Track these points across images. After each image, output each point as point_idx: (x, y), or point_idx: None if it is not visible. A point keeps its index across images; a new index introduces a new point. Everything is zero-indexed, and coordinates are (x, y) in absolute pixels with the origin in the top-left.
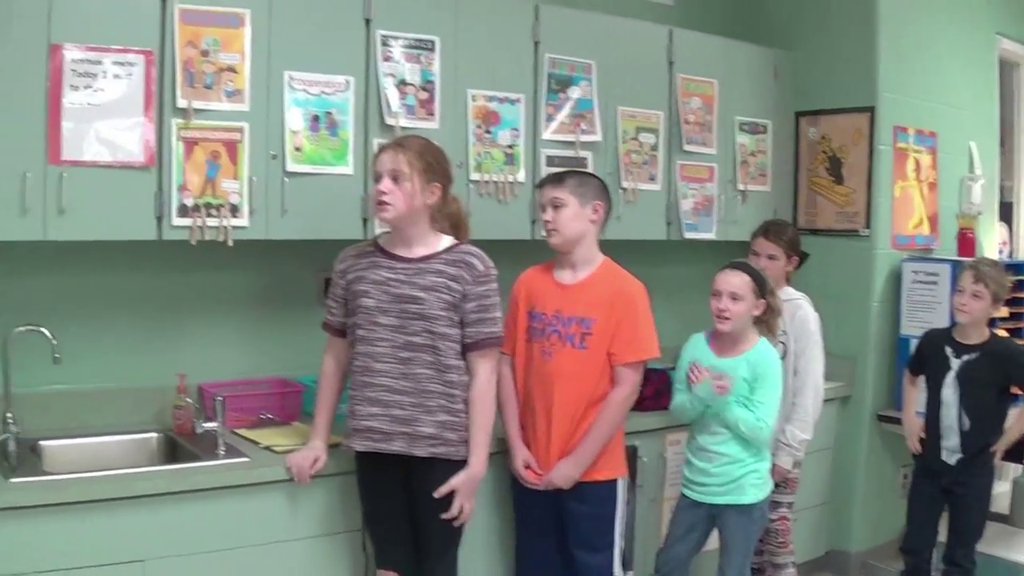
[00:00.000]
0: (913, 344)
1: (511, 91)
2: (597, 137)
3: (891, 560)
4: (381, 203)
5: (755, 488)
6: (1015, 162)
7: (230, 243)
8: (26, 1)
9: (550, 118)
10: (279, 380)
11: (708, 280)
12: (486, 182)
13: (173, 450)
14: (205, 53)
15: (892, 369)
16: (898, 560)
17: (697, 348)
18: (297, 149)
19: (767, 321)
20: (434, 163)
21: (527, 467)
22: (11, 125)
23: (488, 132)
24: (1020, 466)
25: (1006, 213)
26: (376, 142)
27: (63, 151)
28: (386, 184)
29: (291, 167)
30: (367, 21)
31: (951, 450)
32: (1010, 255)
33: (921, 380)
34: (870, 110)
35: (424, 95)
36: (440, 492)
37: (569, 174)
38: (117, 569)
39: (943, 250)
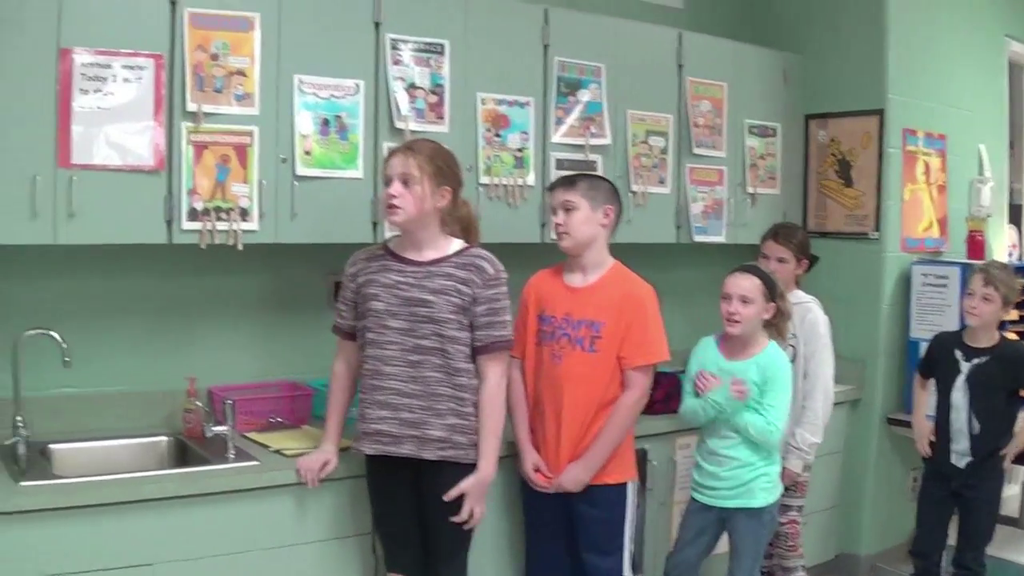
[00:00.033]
0: (923, 347)
1: (520, 94)
2: (607, 140)
3: (901, 563)
4: (391, 207)
5: (765, 492)
6: None
7: (240, 247)
8: (36, 5)
9: (559, 121)
10: (289, 384)
11: (718, 283)
12: (496, 185)
13: (183, 454)
14: (215, 57)
15: (902, 372)
16: (908, 563)
17: (707, 351)
18: (307, 153)
19: (777, 324)
20: (444, 167)
21: (536, 470)
22: (21, 129)
23: (498, 135)
24: None
25: (1015, 215)
26: (386, 146)
27: (73, 155)
28: (396, 188)
29: (301, 171)
30: (376, 25)
31: (961, 453)
32: (1020, 258)
33: (931, 383)
34: (879, 113)
35: (434, 98)
36: (450, 496)
37: (581, 177)
38: (126, 573)
39: (952, 253)
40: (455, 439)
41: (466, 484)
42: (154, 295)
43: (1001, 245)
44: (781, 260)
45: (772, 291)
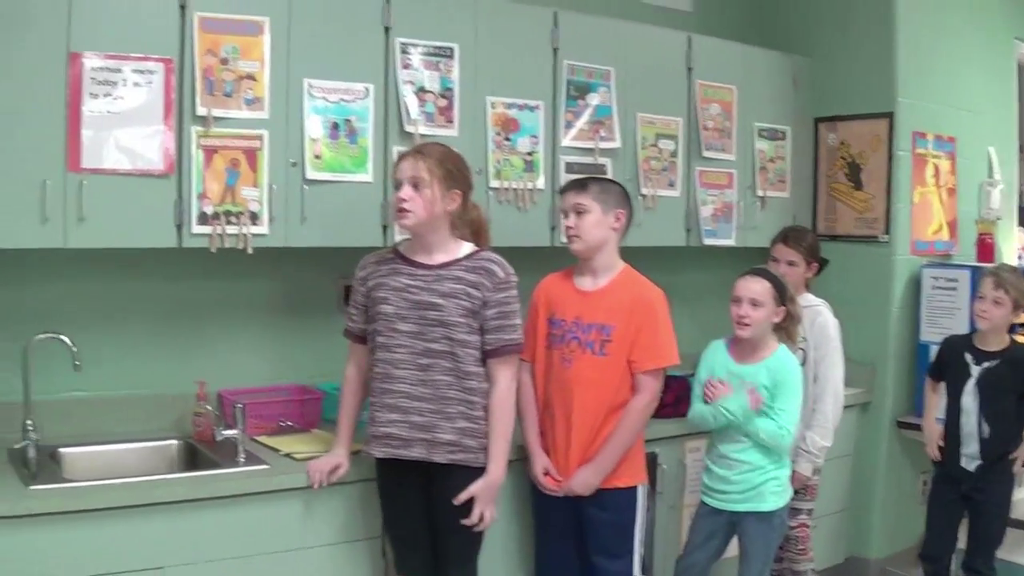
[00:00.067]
0: (932, 350)
1: (530, 98)
2: (616, 144)
3: (910, 567)
4: (401, 210)
5: (775, 495)
6: None
7: (250, 251)
8: (45, 9)
9: (569, 125)
10: (299, 387)
11: (727, 286)
12: (505, 189)
13: (193, 457)
14: (224, 61)
15: (912, 375)
16: (917, 567)
17: (717, 355)
18: (317, 157)
19: (787, 328)
20: (454, 170)
21: (546, 474)
22: (31, 133)
23: (507, 139)
24: None
25: None
26: (395, 149)
27: (83, 159)
28: (406, 191)
29: (311, 175)
30: (386, 29)
31: (971, 457)
32: None
33: (942, 386)
34: (889, 116)
35: (443, 102)
36: (459, 499)
37: (592, 180)
38: None
39: (962, 256)
40: (465, 442)
41: (475, 487)
42: (164, 299)
43: (1011, 248)
44: (791, 263)
45: (782, 294)
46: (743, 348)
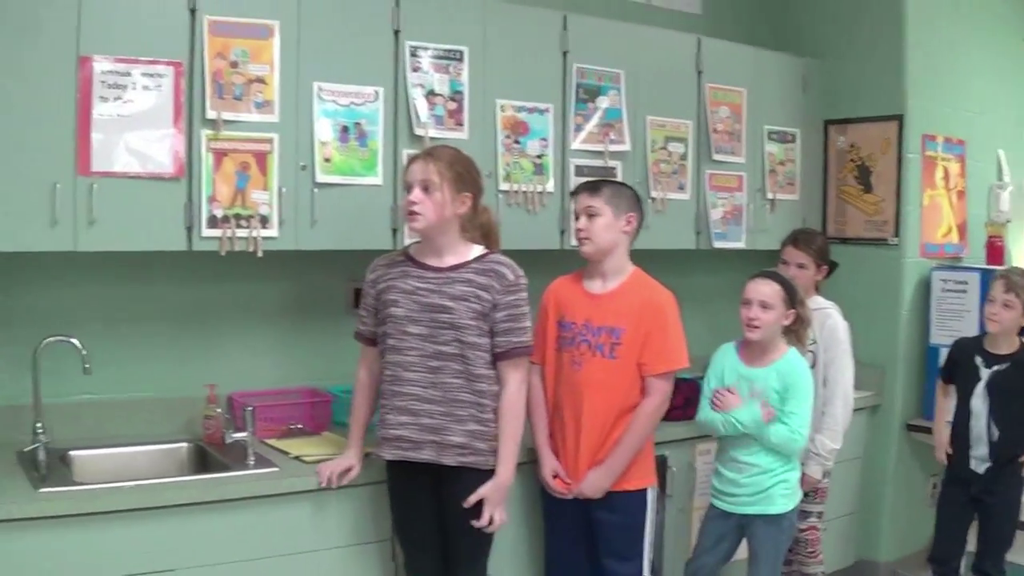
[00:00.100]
0: (942, 353)
1: (540, 101)
2: (626, 147)
3: (920, 570)
4: (412, 213)
5: (784, 498)
6: None
7: (260, 254)
8: (55, 13)
9: (579, 128)
10: (309, 390)
11: (737, 289)
12: (515, 192)
13: (203, 460)
14: (234, 64)
15: (921, 378)
16: (927, 570)
17: (727, 358)
18: (326, 160)
19: (796, 331)
20: (464, 173)
21: (555, 476)
22: (41, 136)
23: (517, 142)
24: None
25: None
26: (405, 152)
27: (93, 162)
28: (417, 194)
29: (320, 178)
30: (396, 32)
31: (980, 459)
32: None
33: (953, 389)
34: (898, 118)
35: (453, 105)
36: (468, 502)
37: (605, 183)
38: None
39: (972, 258)
40: (475, 445)
41: (484, 490)
42: (174, 302)
43: (1021, 250)
44: (801, 266)
45: (792, 297)
46: (752, 351)
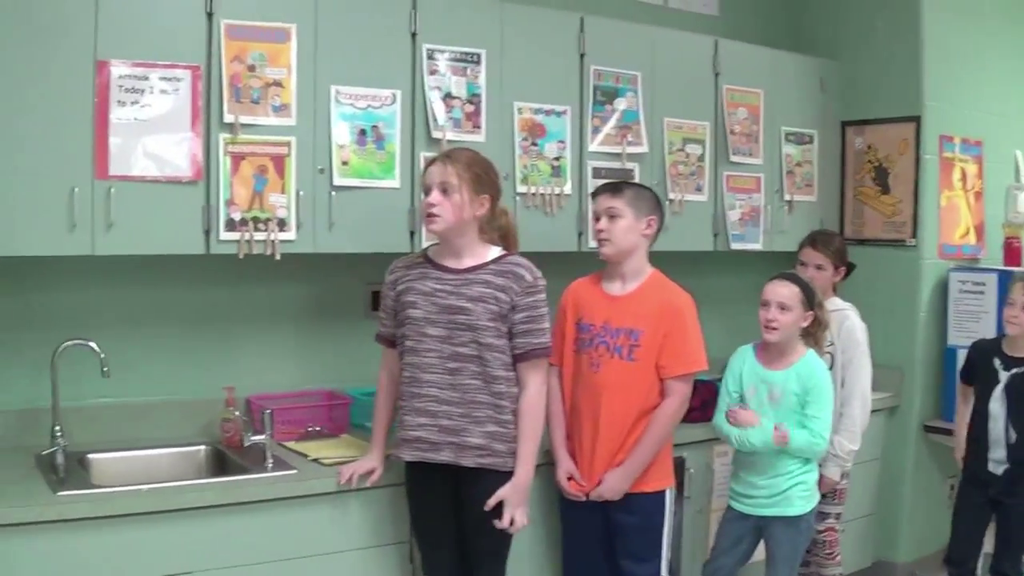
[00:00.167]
0: (960, 354)
1: (557, 103)
2: (643, 148)
3: (938, 571)
4: (430, 215)
5: (802, 500)
6: None
7: (278, 257)
8: (73, 18)
9: (596, 130)
10: (327, 392)
11: (755, 291)
12: (533, 194)
13: (221, 463)
14: (252, 68)
15: (939, 380)
16: (943, 571)
17: (745, 360)
18: (344, 163)
19: (814, 334)
20: (483, 175)
21: (570, 479)
22: (59, 140)
23: (534, 144)
24: None
25: None
26: (423, 155)
27: (111, 166)
28: (435, 196)
29: (338, 181)
30: (413, 35)
31: (998, 461)
32: None
33: (971, 391)
34: (916, 119)
35: (470, 108)
36: (488, 505)
37: (626, 185)
38: None
39: (989, 259)
40: (494, 447)
41: (503, 491)
42: (192, 305)
43: None
44: (819, 267)
45: (811, 299)
46: (771, 353)
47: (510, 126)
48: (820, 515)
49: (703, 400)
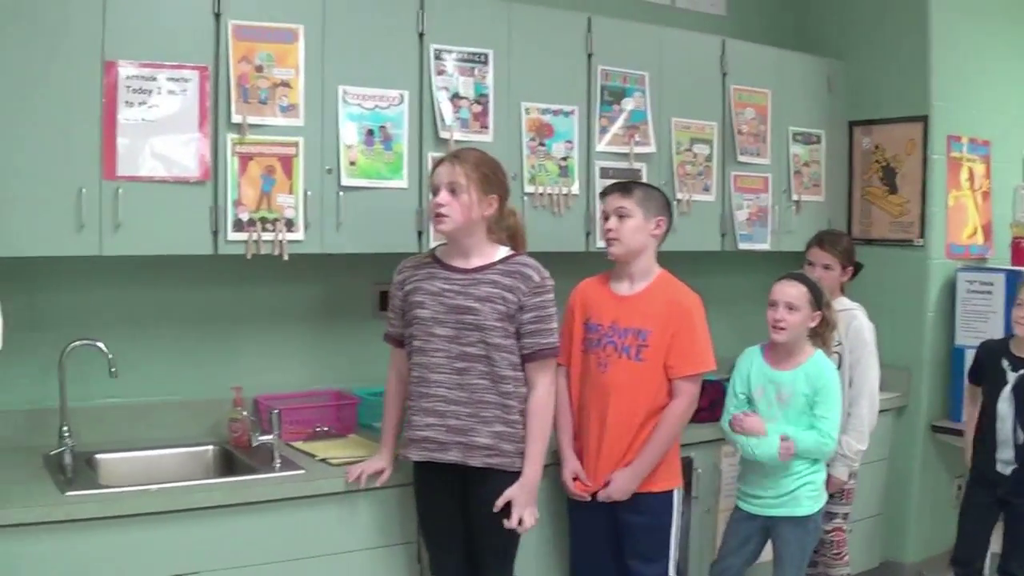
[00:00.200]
0: (968, 354)
1: (565, 103)
2: (651, 148)
3: (945, 571)
4: (439, 215)
5: (810, 500)
6: None
7: (285, 257)
8: (80, 18)
9: (604, 130)
10: (335, 392)
11: (762, 291)
12: (540, 194)
13: (229, 463)
14: (259, 68)
15: (947, 380)
16: (950, 572)
17: (752, 361)
18: (352, 163)
19: (822, 334)
20: (491, 175)
21: (575, 479)
22: (66, 141)
23: (542, 144)
24: None
25: None
26: (430, 155)
27: (118, 167)
28: (444, 196)
29: (346, 181)
30: (420, 35)
31: (1006, 462)
32: None
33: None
34: (923, 119)
35: (478, 108)
36: (496, 506)
37: (636, 185)
38: None
39: (997, 259)
40: (502, 447)
41: (511, 491)
42: (200, 305)
43: None
44: (826, 267)
45: (818, 300)
46: (778, 353)
47: (518, 126)
48: (828, 515)
49: (711, 400)
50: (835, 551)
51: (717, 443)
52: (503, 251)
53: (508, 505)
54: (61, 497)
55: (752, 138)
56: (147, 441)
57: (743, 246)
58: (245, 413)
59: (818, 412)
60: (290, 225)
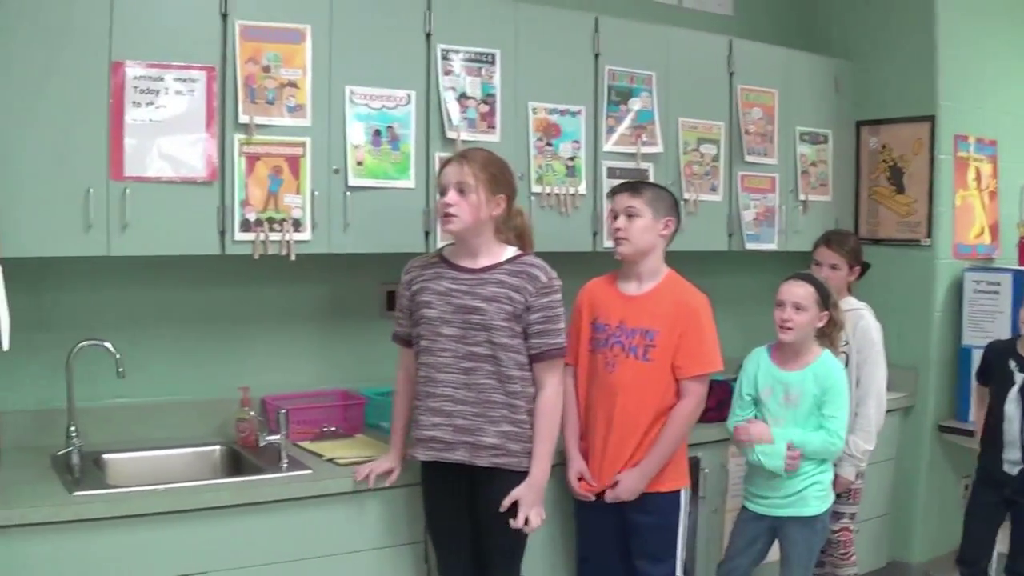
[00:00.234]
0: (975, 354)
1: (572, 103)
2: (658, 148)
3: (952, 571)
4: (447, 215)
5: (817, 500)
6: None
7: (293, 257)
8: (88, 19)
9: (611, 130)
10: (342, 392)
11: (770, 291)
12: (547, 194)
13: (236, 463)
14: (266, 69)
15: (954, 380)
16: (956, 572)
17: (760, 362)
18: (359, 163)
19: (829, 334)
20: (498, 174)
21: (580, 479)
22: (74, 141)
23: (549, 144)
24: None
25: None
26: (437, 156)
27: (126, 167)
28: (452, 196)
29: (353, 181)
30: (427, 35)
31: (1013, 462)
32: None
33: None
34: (930, 119)
35: (485, 108)
36: (503, 506)
37: (645, 185)
38: None
39: (1004, 259)
40: (509, 447)
41: (518, 491)
42: (207, 305)
43: None
44: (833, 267)
45: (826, 299)
46: (786, 353)
47: (525, 126)
48: (835, 515)
49: (719, 400)
50: (842, 551)
51: (724, 443)
52: (510, 251)
53: (515, 505)
54: (69, 497)
55: (759, 138)
56: (154, 441)
57: (750, 246)
58: (252, 413)
59: (826, 412)
60: (297, 225)
